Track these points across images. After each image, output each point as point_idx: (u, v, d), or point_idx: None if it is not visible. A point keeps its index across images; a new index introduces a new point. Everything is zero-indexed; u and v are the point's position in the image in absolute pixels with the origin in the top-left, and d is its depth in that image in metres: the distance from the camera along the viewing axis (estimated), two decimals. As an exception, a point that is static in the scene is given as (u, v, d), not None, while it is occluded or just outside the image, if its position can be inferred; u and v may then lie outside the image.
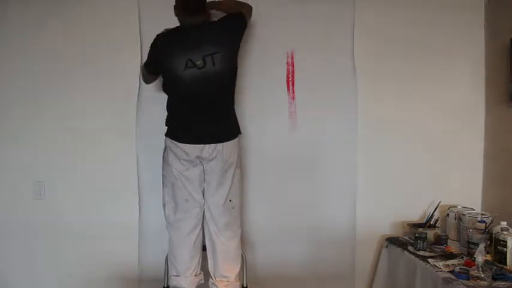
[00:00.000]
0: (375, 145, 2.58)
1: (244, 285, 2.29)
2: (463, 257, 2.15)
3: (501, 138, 2.50)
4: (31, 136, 2.48)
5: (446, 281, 1.92)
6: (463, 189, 2.61)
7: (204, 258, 2.24)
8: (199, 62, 2.09)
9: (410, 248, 2.32)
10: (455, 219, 2.42)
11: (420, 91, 2.60)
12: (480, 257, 1.86)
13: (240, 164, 2.29)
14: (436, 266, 2.06)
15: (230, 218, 2.21)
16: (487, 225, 2.20)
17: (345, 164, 2.58)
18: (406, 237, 2.50)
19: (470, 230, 2.23)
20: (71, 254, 2.48)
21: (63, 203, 2.49)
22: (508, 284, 1.84)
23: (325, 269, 2.56)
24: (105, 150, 2.50)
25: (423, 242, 2.27)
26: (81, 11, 2.48)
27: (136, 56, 2.45)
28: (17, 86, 2.47)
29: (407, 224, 2.52)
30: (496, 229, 2.08)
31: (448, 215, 2.48)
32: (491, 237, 2.11)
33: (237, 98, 2.29)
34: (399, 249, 2.36)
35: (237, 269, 2.23)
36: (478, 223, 2.24)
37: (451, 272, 1.99)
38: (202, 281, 2.24)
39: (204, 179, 2.19)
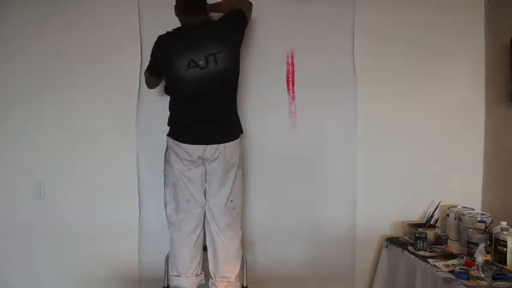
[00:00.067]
0: (375, 145, 2.58)
1: (244, 285, 2.29)
2: (463, 257, 2.15)
3: (501, 138, 2.50)
4: (31, 136, 2.48)
5: (446, 281, 1.92)
6: (463, 189, 2.61)
7: (205, 259, 2.24)
8: (201, 62, 2.09)
9: (410, 248, 2.32)
10: (455, 219, 2.42)
11: (420, 91, 2.60)
12: (480, 257, 1.86)
13: (242, 165, 2.29)
14: (436, 266, 2.06)
15: (231, 218, 2.21)
16: (487, 225, 2.20)
17: (344, 164, 2.58)
18: (406, 237, 2.50)
19: (470, 230, 2.23)
20: (71, 254, 2.48)
21: (63, 203, 2.49)
22: (508, 284, 1.84)
23: (325, 269, 2.56)
24: (105, 150, 2.50)
25: (423, 242, 2.27)
26: (81, 11, 2.48)
27: (136, 56, 2.45)
28: (17, 86, 2.47)
29: (407, 224, 2.52)
30: (496, 229, 2.08)
31: (448, 215, 2.48)
32: (491, 237, 2.11)
33: (238, 96, 2.28)
34: (399, 249, 2.36)
35: (238, 269, 2.23)
36: (478, 223, 2.24)
37: (451, 272, 1.99)
38: (203, 281, 2.24)
39: (206, 179, 2.18)
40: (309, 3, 2.53)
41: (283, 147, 2.56)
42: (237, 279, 2.22)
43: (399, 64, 2.59)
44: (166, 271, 2.28)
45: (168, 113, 2.23)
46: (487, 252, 2.08)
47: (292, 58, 2.55)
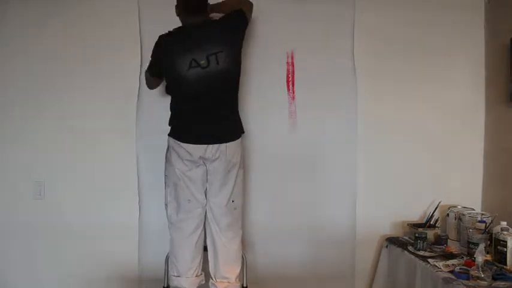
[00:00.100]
0: (375, 145, 2.58)
1: (245, 285, 2.29)
2: (463, 257, 2.15)
3: (501, 138, 2.50)
4: (31, 136, 2.48)
5: (446, 281, 1.92)
6: (463, 189, 2.62)
7: (205, 259, 2.24)
8: (203, 62, 2.08)
9: (410, 248, 2.32)
10: (455, 219, 2.42)
11: (420, 91, 2.60)
12: (480, 257, 1.86)
13: (243, 165, 2.29)
14: (436, 266, 2.06)
15: (232, 218, 2.20)
16: (487, 225, 2.20)
17: (345, 164, 2.58)
18: (406, 237, 2.50)
19: (470, 230, 2.23)
20: (71, 254, 2.48)
21: (63, 203, 2.49)
22: (508, 284, 1.84)
23: (325, 269, 2.56)
24: (105, 150, 2.50)
25: (423, 242, 2.27)
26: (81, 11, 2.48)
27: (136, 56, 2.45)
28: (17, 86, 2.47)
29: (407, 224, 2.52)
30: (496, 229, 2.09)
31: (448, 215, 2.48)
32: (491, 237, 2.12)
33: (239, 96, 2.28)
34: (399, 249, 2.36)
35: (238, 270, 2.23)
36: (478, 223, 2.24)
37: (451, 272, 1.99)
38: (203, 282, 2.24)
39: (207, 179, 2.18)
40: (309, 3, 2.53)
41: (284, 147, 2.56)
42: (237, 279, 2.22)
43: (399, 64, 2.59)
44: (167, 271, 2.28)
45: (169, 112, 2.22)
46: (487, 252, 2.08)
47: (292, 58, 2.55)
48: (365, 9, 2.55)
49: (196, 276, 2.19)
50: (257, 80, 2.52)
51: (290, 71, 2.55)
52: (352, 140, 2.57)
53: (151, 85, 2.34)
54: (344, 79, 2.57)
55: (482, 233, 2.17)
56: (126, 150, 2.48)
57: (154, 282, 2.37)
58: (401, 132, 2.60)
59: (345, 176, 2.59)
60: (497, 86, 2.51)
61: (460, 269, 1.97)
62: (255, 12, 2.33)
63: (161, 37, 2.17)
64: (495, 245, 2.07)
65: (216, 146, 2.12)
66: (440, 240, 2.34)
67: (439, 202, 2.53)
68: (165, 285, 2.27)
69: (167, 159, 2.20)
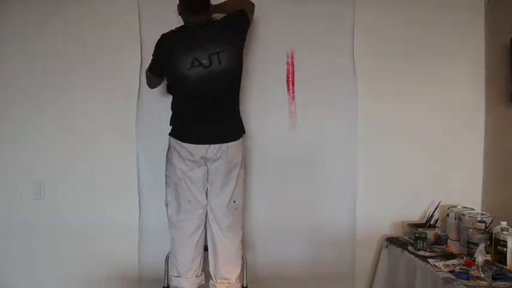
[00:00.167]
0: (375, 145, 2.58)
1: (245, 285, 2.29)
2: (463, 257, 2.15)
3: (501, 138, 2.50)
4: (31, 136, 2.47)
5: (446, 281, 1.92)
6: (463, 189, 2.62)
7: (205, 260, 2.24)
8: (205, 61, 2.08)
9: (410, 248, 2.32)
10: (455, 219, 2.42)
11: (420, 91, 2.60)
12: (480, 257, 1.87)
13: (245, 165, 2.29)
14: (436, 266, 2.06)
15: (233, 219, 2.20)
16: (487, 225, 2.20)
17: (345, 164, 2.58)
18: (406, 237, 2.50)
19: (470, 230, 2.23)
20: (71, 254, 2.48)
21: (63, 203, 2.49)
22: (508, 284, 1.85)
23: (325, 269, 2.56)
24: (105, 150, 2.50)
25: (423, 242, 2.27)
26: (81, 11, 2.47)
27: (136, 56, 2.44)
28: (17, 86, 2.47)
29: (407, 224, 2.52)
30: (496, 229, 2.09)
31: (448, 215, 2.48)
32: (491, 237, 2.12)
33: (240, 95, 2.28)
34: (399, 249, 2.36)
35: (238, 270, 2.22)
36: (478, 223, 2.24)
37: (451, 272, 1.99)
38: (203, 282, 2.23)
39: (208, 179, 2.17)
40: (309, 3, 2.53)
41: (284, 147, 2.56)
42: (238, 280, 2.22)
43: (399, 64, 2.59)
44: (167, 271, 2.27)
45: (169, 112, 2.22)
46: (487, 252, 2.08)
47: (292, 58, 2.55)
48: (365, 9, 2.55)
49: (196, 276, 2.19)
50: (258, 81, 2.51)
51: (290, 71, 2.55)
52: (352, 140, 2.57)
53: (152, 84, 2.34)
54: (344, 79, 2.57)
55: (482, 233, 2.17)
56: (126, 150, 2.48)
57: (154, 282, 2.37)
58: (401, 132, 2.60)
59: (345, 176, 2.59)
60: (497, 86, 2.51)
61: (460, 269, 1.97)
62: (257, 13, 2.33)
63: (163, 36, 2.17)
64: (495, 245, 2.07)
65: (217, 146, 2.11)
66: (440, 240, 2.35)
67: (439, 202, 2.53)
68: (165, 285, 2.27)
69: (168, 159, 2.20)
